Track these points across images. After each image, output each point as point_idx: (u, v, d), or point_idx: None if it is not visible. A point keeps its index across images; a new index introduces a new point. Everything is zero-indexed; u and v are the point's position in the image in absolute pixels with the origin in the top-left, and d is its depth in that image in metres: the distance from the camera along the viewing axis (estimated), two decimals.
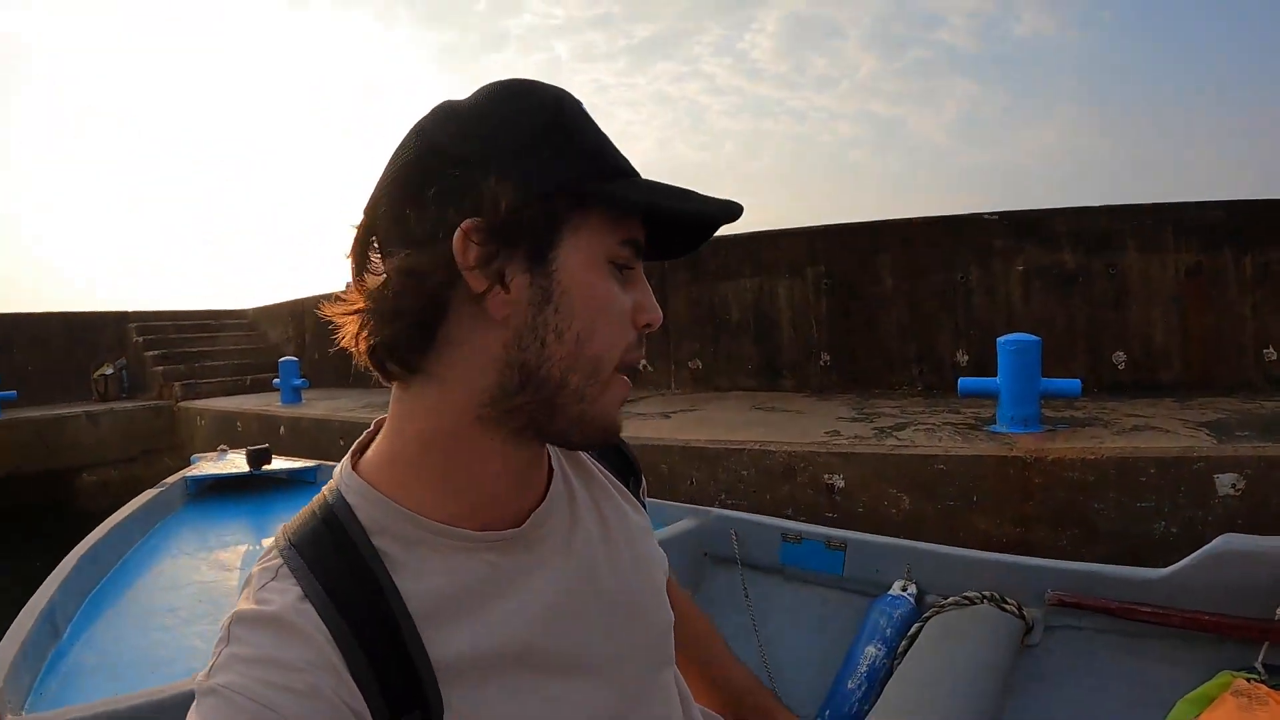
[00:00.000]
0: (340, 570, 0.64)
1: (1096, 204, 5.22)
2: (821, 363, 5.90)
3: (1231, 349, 5.05)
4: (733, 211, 0.68)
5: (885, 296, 5.69)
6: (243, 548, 3.65)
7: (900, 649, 2.45)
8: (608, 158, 0.68)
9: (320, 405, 7.67)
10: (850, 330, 5.82)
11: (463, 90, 0.72)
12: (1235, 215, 5.16)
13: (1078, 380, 3.61)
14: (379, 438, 0.73)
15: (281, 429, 7.14)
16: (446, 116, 0.68)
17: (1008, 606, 2.39)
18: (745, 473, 3.67)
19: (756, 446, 3.66)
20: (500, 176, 0.62)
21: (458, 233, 0.62)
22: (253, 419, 7.69)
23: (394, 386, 0.70)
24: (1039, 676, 2.43)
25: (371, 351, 0.67)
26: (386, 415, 0.72)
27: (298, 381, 8.25)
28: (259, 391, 9.98)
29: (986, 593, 2.43)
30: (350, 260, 0.69)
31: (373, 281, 0.67)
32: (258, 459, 4.39)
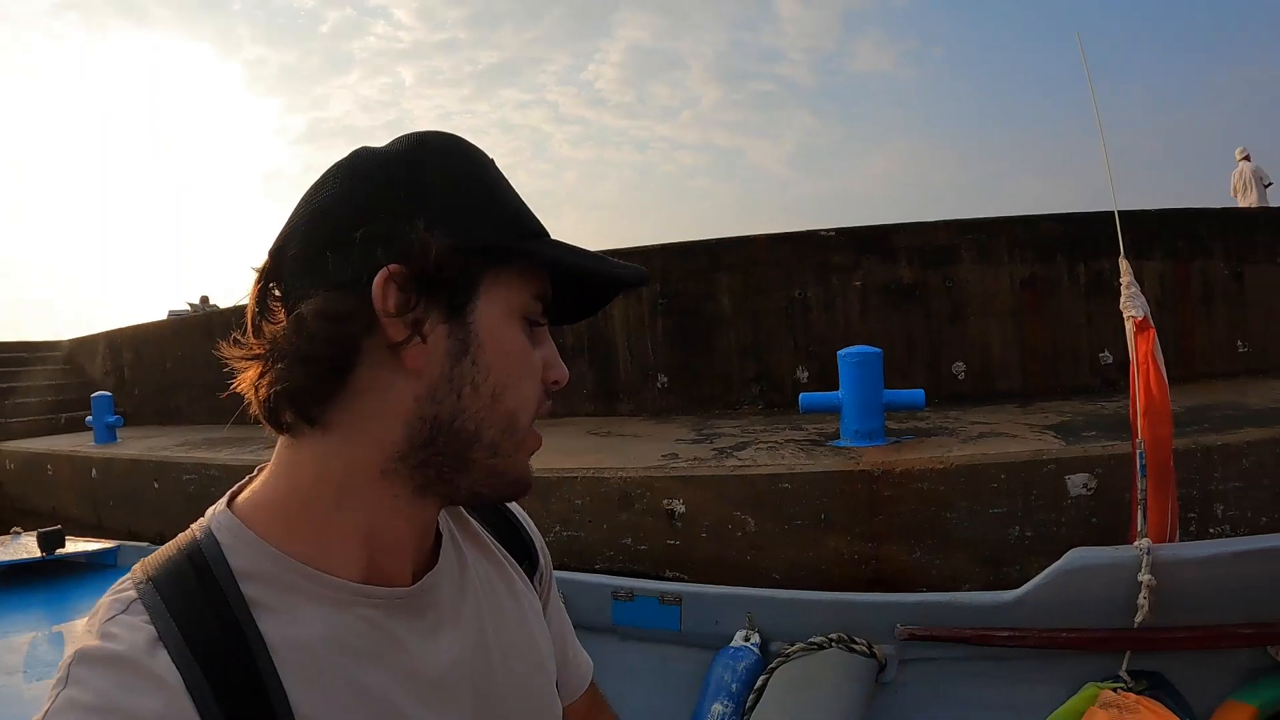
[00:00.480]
0: (202, 613, 0.61)
1: (934, 219, 5.58)
2: (659, 385, 5.93)
3: (1068, 355, 5.45)
4: (642, 276, 0.75)
5: (724, 315, 5.80)
6: (30, 644, 3.22)
7: (748, 704, 2.43)
8: (526, 219, 0.72)
9: (136, 444, 7.36)
10: (689, 351, 5.89)
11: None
12: (1069, 227, 5.61)
13: (921, 391, 3.76)
14: (259, 482, 0.71)
15: (94, 471, 6.84)
16: (375, 163, 0.69)
17: (857, 646, 2.43)
18: (579, 501, 3.57)
19: (590, 473, 3.58)
20: (429, 226, 0.64)
21: (380, 276, 0.63)
22: (64, 461, 7.39)
23: (282, 436, 0.69)
24: (898, 714, 2.48)
25: (273, 398, 0.66)
26: (268, 463, 0.71)
27: (111, 419, 7.94)
28: (75, 430, 9.55)
29: (834, 635, 2.45)
30: (250, 303, 0.69)
31: (272, 329, 0.66)
32: (50, 542, 3.99)
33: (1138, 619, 2.40)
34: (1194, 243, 6.04)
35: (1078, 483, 3.21)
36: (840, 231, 5.62)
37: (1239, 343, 6.19)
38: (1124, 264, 2.79)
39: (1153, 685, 2.48)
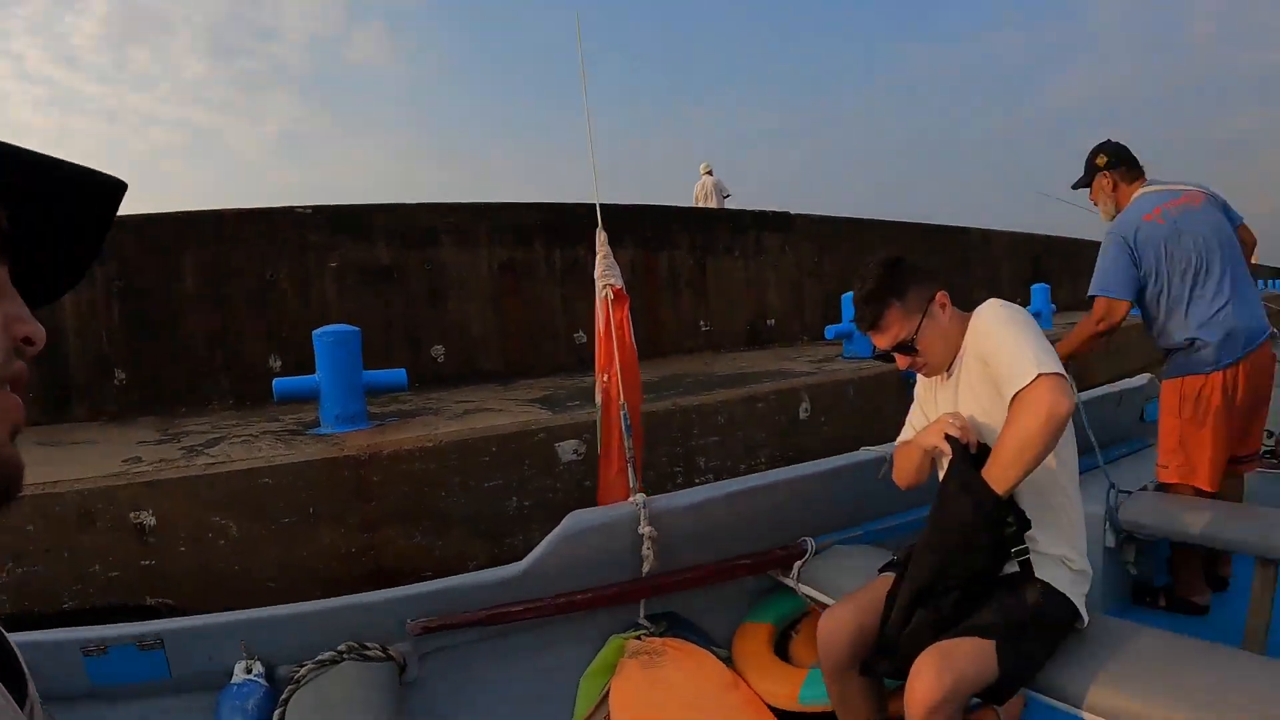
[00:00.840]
0: None
1: (415, 202, 5.58)
2: (118, 382, 5.12)
3: (546, 335, 5.77)
4: (119, 183, 0.64)
5: (188, 299, 5.17)
6: None
7: None
8: None
9: None
10: (149, 340, 5.16)
11: None
12: (548, 215, 5.95)
13: (403, 370, 3.68)
14: None
15: None
16: None
17: (371, 652, 2.30)
18: (30, 528, 2.89)
19: (39, 490, 2.93)
20: None
21: None
22: None
23: None
24: (430, 712, 2.40)
25: None
26: None
27: None
28: None
29: (344, 646, 2.28)
30: None
31: None
32: None
33: (646, 569, 2.59)
34: (664, 235, 6.82)
35: (568, 449, 3.36)
36: (317, 209, 5.36)
37: (702, 323, 7.10)
38: (601, 235, 2.99)
39: (672, 625, 2.72)
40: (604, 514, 2.58)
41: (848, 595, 2.18)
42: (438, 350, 5.38)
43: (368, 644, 2.30)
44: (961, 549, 1.89)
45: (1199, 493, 3.22)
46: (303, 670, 2.22)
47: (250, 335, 5.21)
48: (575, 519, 2.52)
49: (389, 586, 2.42)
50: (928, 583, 1.92)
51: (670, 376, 5.14)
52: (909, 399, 2.40)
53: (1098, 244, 3.35)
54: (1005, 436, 1.81)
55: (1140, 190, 3.36)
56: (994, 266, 11.44)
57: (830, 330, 6.31)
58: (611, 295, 2.92)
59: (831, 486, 2.97)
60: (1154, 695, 1.77)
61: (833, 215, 8.82)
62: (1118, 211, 3.40)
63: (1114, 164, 3.42)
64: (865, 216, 9.31)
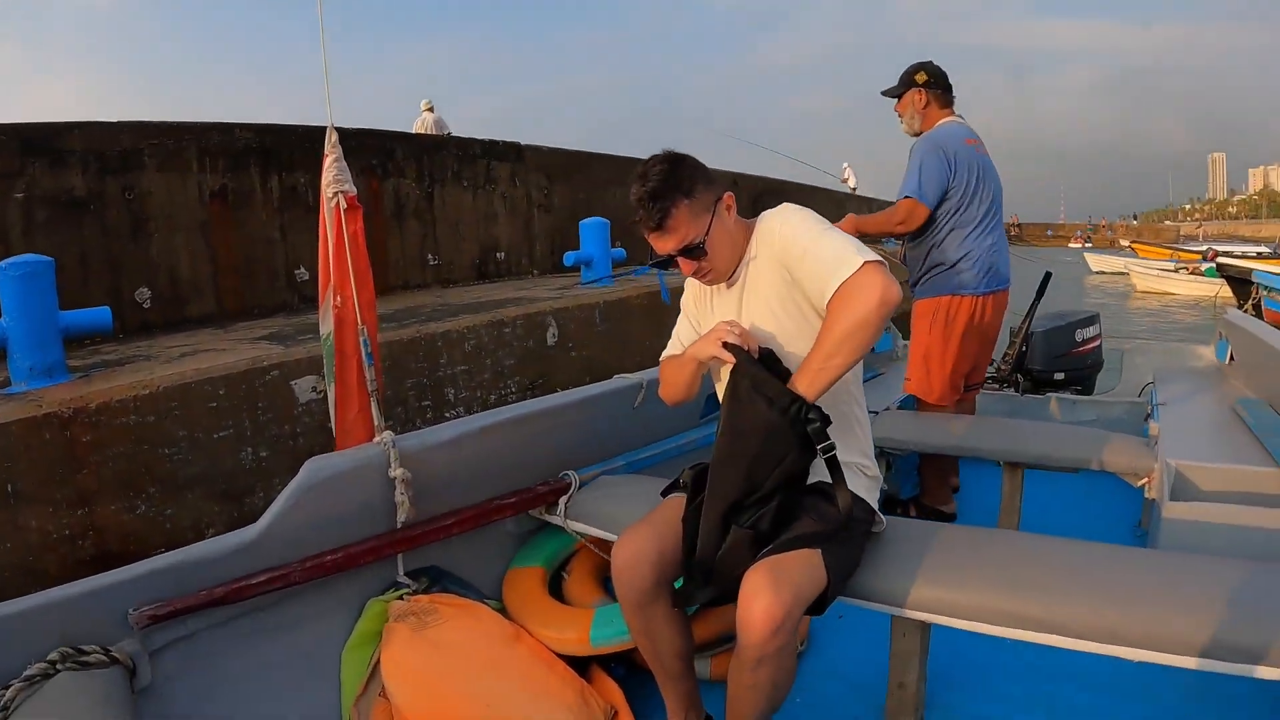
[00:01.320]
0: None
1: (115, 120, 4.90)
2: None
3: (263, 272, 5.35)
4: None
5: None
6: None
7: None
8: None
9: None
10: None
11: None
12: (265, 137, 5.45)
13: (106, 309, 3.25)
14: None
15: None
16: None
17: (91, 657, 1.88)
18: None
19: None
20: None
21: None
22: None
23: None
24: (173, 719, 2.03)
25: None
26: None
27: None
28: None
29: (56, 654, 1.84)
30: None
31: None
32: None
33: (401, 518, 2.38)
34: (389, 162, 6.47)
35: (306, 386, 3.11)
36: (2, 129, 4.60)
37: (430, 256, 6.85)
38: (332, 135, 2.63)
39: (435, 580, 2.51)
40: (348, 459, 2.33)
41: (639, 522, 2.05)
42: (143, 294, 4.82)
43: (85, 647, 1.89)
44: (767, 454, 1.80)
45: (936, 408, 3.60)
46: (8, 694, 1.78)
47: None
48: (314, 467, 2.26)
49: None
50: (738, 497, 1.83)
51: (405, 309, 4.92)
52: (659, 323, 2.35)
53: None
54: (832, 325, 1.76)
55: (951, 118, 3.58)
56: None
57: (569, 256, 6.28)
58: (345, 204, 2.57)
59: (589, 416, 2.91)
60: (962, 582, 1.92)
61: (563, 147, 8.76)
62: (921, 129, 3.59)
63: (931, 84, 3.57)
64: (595, 150, 9.34)
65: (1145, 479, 3.01)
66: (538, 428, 2.73)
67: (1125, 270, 26.75)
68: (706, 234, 1.95)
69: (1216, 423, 3.47)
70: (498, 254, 7.71)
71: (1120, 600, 1.80)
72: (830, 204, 19.33)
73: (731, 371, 1.87)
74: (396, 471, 2.34)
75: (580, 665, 2.31)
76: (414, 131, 11.47)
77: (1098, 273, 30.73)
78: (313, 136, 5.74)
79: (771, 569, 1.75)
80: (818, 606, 1.85)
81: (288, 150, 5.54)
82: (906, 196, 3.41)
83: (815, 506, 1.90)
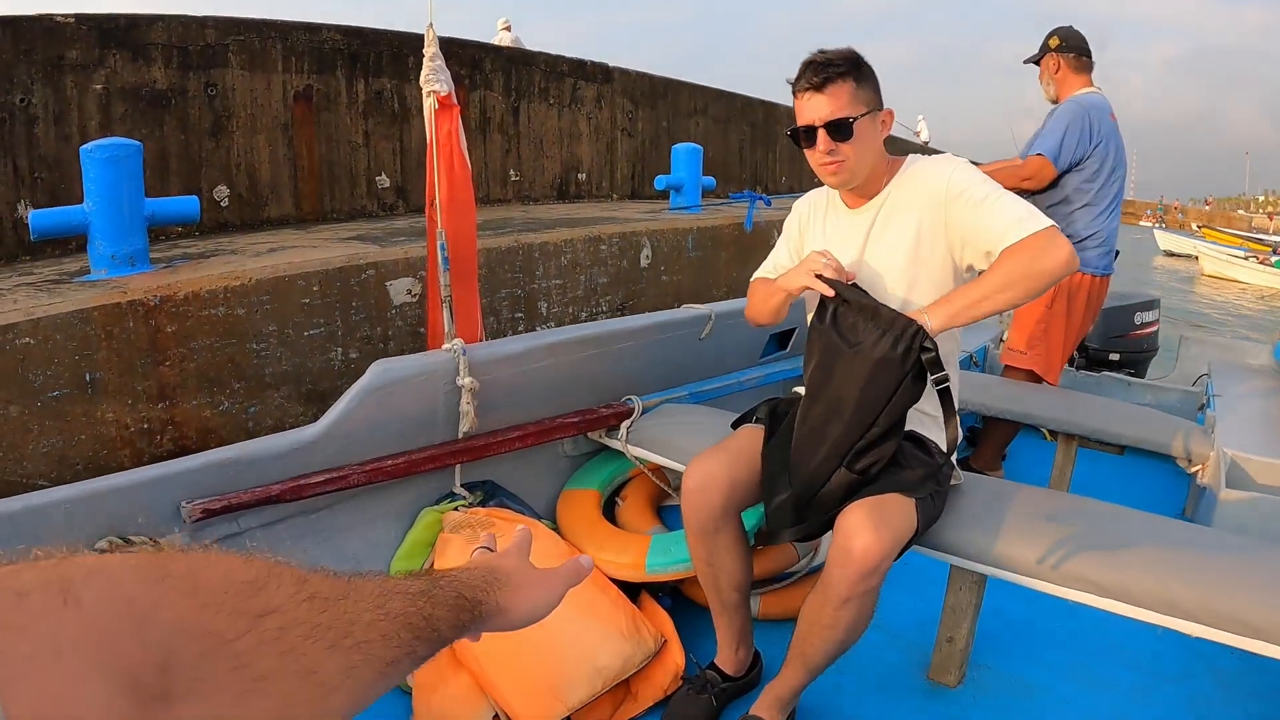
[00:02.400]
0: None
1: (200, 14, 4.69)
2: None
3: (344, 177, 5.12)
4: None
5: None
6: None
7: None
8: None
9: None
10: None
11: None
12: (353, 41, 5.20)
13: (194, 198, 3.07)
14: None
15: None
16: None
17: (136, 547, 1.60)
18: None
19: None
20: None
21: None
22: None
23: None
24: None
25: None
26: None
27: None
28: None
29: (104, 543, 1.80)
30: None
31: None
32: None
33: (464, 428, 2.34)
34: (476, 73, 6.19)
35: (401, 289, 2.91)
36: (81, 19, 4.39)
37: (512, 172, 6.60)
38: (430, 33, 2.54)
39: (489, 494, 2.47)
40: (416, 364, 2.30)
41: (711, 448, 2.00)
42: (220, 192, 4.64)
43: (133, 537, 1.86)
44: (877, 388, 1.74)
45: (1031, 378, 3.54)
46: None
47: None
48: (382, 369, 2.21)
49: None
50: (852, 438, 1.76)
51: (495, 220, 4.68)
52: (748, 256, 2.24)
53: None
54: (1005, 268, 1.74)
55: (1091, 88, 3.46)
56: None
57: (660, 180, 6.00)
58: (437, 104, 2.49)
59: (655, 343, 2.89)
60: (1022, 539, 1.90)
61: (651, 72, 8.41)
62: (1059, 96, 3.48)
63: (1065, 49, 3.47)
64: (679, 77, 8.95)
65: (1199, 466, 2.98)
66: (604, 350, 2.70)
67: (1195, 253, 26.12)
68: (858, 119, 1.85)
69: (1271, 419, 3.56)
70: (579, 175, 7.43)
71: (1179, 572, 1.78)
72: (903, 154, 18.71)
73: (825, 302, 1.83)
74: (464, 380, 2.31)
75: (630, 591, 2.29)
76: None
77: (1166, 252, 29.96)
78: (401, 42, 5.50)
79: (873, 509, 1.71)
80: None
81: (375, 54, 5.30)
82: (1039, 154, 3.26)
83: (911, 453, 1.89)
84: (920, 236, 1.91)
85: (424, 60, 2.52)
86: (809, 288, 1.84)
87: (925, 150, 19.61)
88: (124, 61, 4.41)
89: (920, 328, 1.72)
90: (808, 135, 1.88)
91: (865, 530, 1.66)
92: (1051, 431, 3.36)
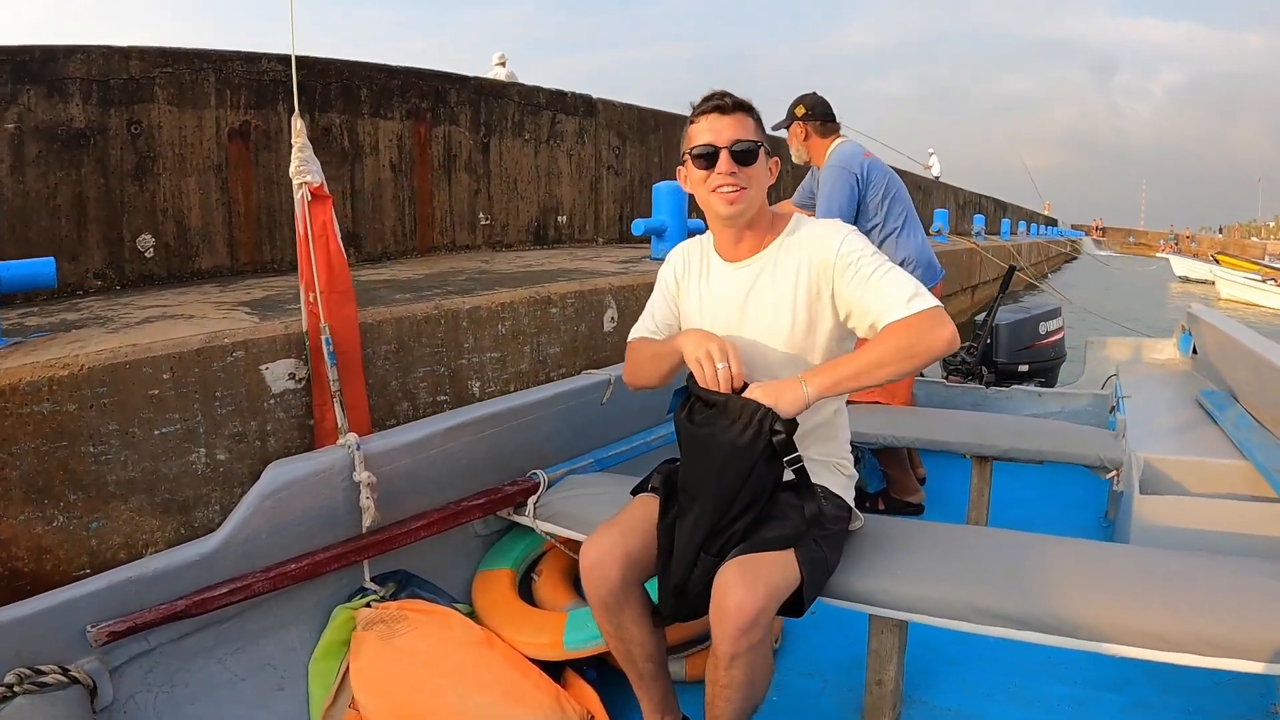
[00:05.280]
0: None
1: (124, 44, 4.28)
2: None
3: (287, 224, 4.63)
4: None
5: None
6: None
7: None
8: None
9: None
10: None
11: None
12: (297, 70, 4.82)
13: (50, 260, 2.64)
14: None
15: None
16: None
17: (49, 677, 1.83)
18: None
19: None
20: None
21: None
22: None
23: None
24: None
25: None
26: None
27: None
28: None
29: (12, 676, 1.80)
30: None
31: None
32: None
33: (367, 523, 2.34)
34: (441, 106, 5.76)
35: (280, 372, 2.49)
36: None
37: (481, 215, 6.15)
38: (298, 123, 2.62)
39: (401, 585, 2.47)
40: (310, 462, 2.30)
41: (606, 523, 2.04)
42: (145, 241, 4.21)
43: (42, 667, 1.86)
44: (732, 473, 1.80)
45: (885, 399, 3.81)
46: None
47: None
48: (276, 472, 2.24)
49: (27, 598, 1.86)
50: (709, 524, 1.83)
51: (437, 275, 4.23)
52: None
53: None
54: (889, 342, 1.79)
55: (840, 140, 3.81)
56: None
57: (638, 225, 5.52)
58: (309, 195, 2.54)
59: (556, 413, 2.92)
60: (938, 580, 1.97)
61: (640, 105, 7.99)
62: (808, 159, 3.88)
63: (810, 115, 3.76)
64: (675, 111, 8.53)
65: (1113, 472, 3.07)
66: (504, 426, 2.73)
67: (1211, 279, 26.77)
68: (759, 149, 1.93)
69: (1181, 415, 3.66)
70: (559, 217, 6.99)
71: (1092, 596, 1.87)
72: (915, 190, 18.32)
73: (686, 394, 1.91)
74: (361, 475, 2.31)
75: (553, 669, 2.32)
76: None
77: (1182, 278, 30.51)
78: (352, 72, 5.08)
79: (744, 565, 1.76)
80: (795, 608, 1.85)
81: (322, 86, 4.88)
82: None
83: (790, 505, 1.89)
84: (806, 300, 1.95)
85: (293, 150, 2.59)
86: (702, 362, 1.84)
87: (938, 185, 19.74)
88: (38, 98, 3.99)
89: (769, 411, 1.78)
90: (708, 158, 1.91)
91: (738, 587, 1.71)
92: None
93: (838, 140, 3.77)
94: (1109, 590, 1.89)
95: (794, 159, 3.92)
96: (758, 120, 1.97)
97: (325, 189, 2.58)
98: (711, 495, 1.82)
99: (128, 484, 2.26)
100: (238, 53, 4.57)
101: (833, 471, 2.08)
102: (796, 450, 1.81)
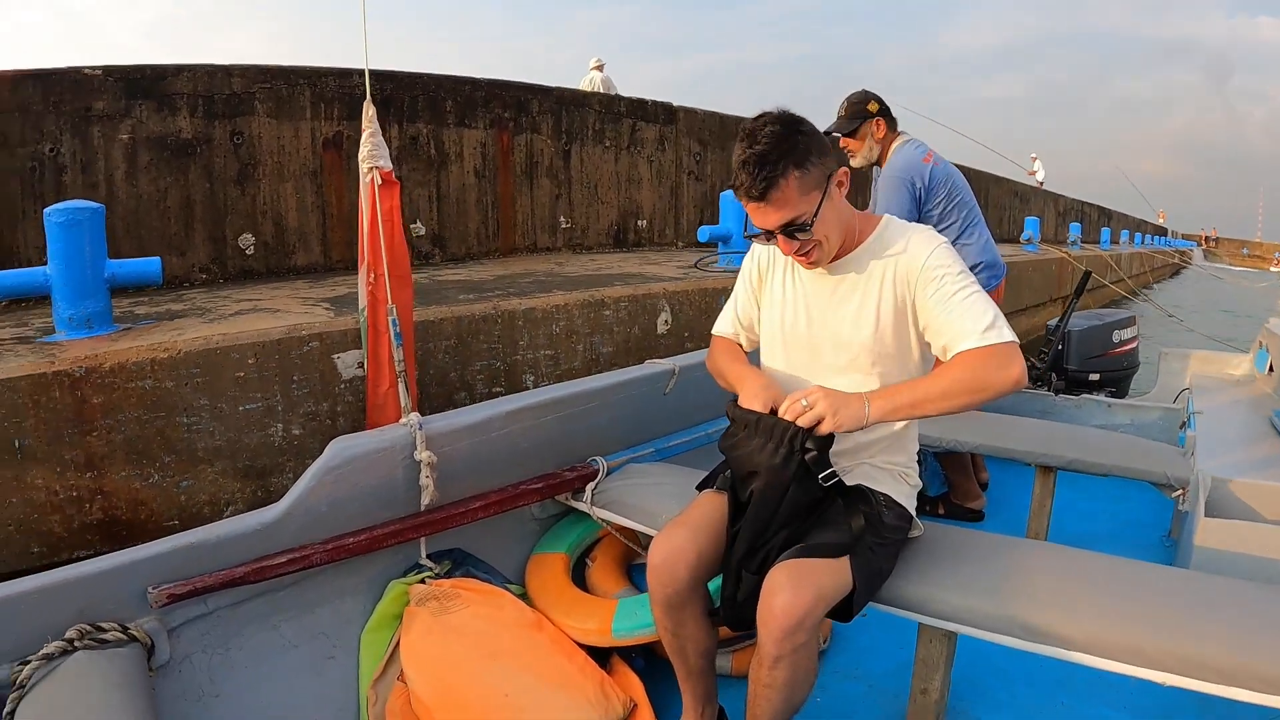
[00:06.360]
0: None
1: (227, 63, 4.75)
2: None
3: None
4: None
5: None
6: None
7: None
8: None
9: None
10: None
11: None
12: (385, 84, 5.19)
13: (156, 260, 3.02)
14: None
15: None
16: None
17: (109, 634, 1.87)
18: None
19: None
20: None
21: None
22: None
23: None
24: (190, 698, 2.04)
25: None
26: None
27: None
28: None
29: (74, 631, 1.83)
30: None
31: None
32: None
33: (425, 501, 2.36)
34: (523, 116, 6.11)
35: (350, 361, 2.80)
36: (108, 71, 4.49)
37: (562, 219, 6.48)
38: (369, 110, 2.63)
39: (458, 563, 2.49)
40: (373, 440, 2.31)
41: (675, 520, 2.00)
42: (246, 240, 4.65)
43: (103, 624, 1.88)
44: (776, 493, 1.80)
45: None
46: (25, 670, 1.77)
47: (24, 220, 4.41)
48: (340, 447, 2.24)
49: (126, 543, 1.99)
50: (754, 540, 1.83)
51: (507, 277, 4.55)
52: None
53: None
54: (955, 374, 1.76)
55: (903, 139, 3.61)
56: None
57: (703, 232, 5.76)
58: (379, 179, 2.56)
59: (618, 401, 2.90)
60: (991, 593, 1.92)
61: (721, 112, 8.23)
62: (879, 160, 3.65)
63: (885, 111, 3.60)
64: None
65: (1179, 491, 2.99)
66: (566, 412, 2.71)
67: None
68: (816, 214, 1.79)
69: (1252, 435, 3.58)
70: (639, 221, 7.28)
71: (1148, 621, 1.81)
72: (1012, 197, 17.97)
73: (730, 417, 1.90)
74: (422, 454, 2.33)
75: (601, 654, 2.32)
76: (581, 89, 11.21)
77: None
78: (437, 85, 5.46)
79: (795, 569, 1.74)
80: (844, 613, 1.84)
81: (409, 98, 5.27)
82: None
83: (845, 511, 1.88)
84: (891, 309, 1.89)
85: (363, 136, 2.59)
86: (775, 407, 1.83)
87: (1040, 191, 19.24)
88: (149, 111, 4.46)
89: (800, 430, 1.75)
90: (768, 237, 1.85)
91: (785, 589, 1.69)
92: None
93: (899, 140, 3.61)
94: (1166, 617, 1.82)
95: (860, 162, 3.67)
96: (801, 166, 1.77)
97: (394, 175, 2.64)
98: (750, 515, 1.83)
99: (214, 451, 2.63)
100: (330, 69, 4.98)
101: (897, 480, 2.02)
102: (831, 466, 1.80)
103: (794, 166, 1.74)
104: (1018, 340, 1.77)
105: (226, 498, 2.66)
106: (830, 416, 1.75)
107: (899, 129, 3.66)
